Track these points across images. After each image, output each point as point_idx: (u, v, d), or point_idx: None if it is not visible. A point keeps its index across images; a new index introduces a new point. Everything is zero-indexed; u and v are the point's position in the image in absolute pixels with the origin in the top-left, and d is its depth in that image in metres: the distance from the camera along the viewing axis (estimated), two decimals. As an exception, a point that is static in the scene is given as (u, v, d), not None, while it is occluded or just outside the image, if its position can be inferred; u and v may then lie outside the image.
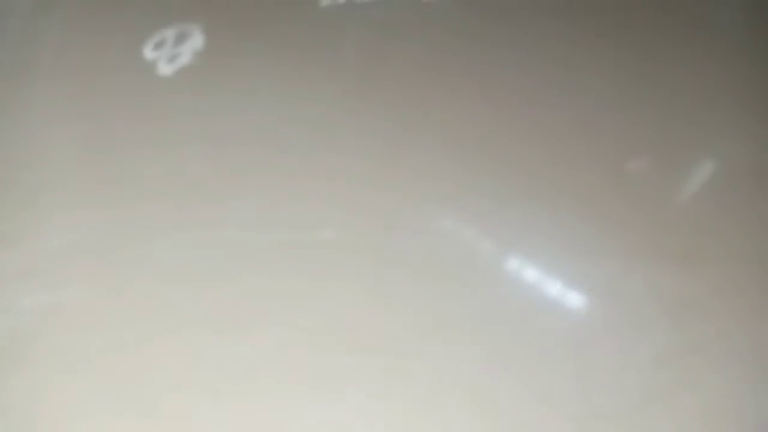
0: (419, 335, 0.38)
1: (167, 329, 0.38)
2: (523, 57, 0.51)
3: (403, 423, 0.35)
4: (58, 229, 0.41)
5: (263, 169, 0.44)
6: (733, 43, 0.51)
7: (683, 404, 0.37)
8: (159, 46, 0.50)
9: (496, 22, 0.54)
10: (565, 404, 0.36)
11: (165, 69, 0.49)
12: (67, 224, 0.42)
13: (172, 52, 0.50)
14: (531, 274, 0.40)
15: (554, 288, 0.40)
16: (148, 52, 0.49)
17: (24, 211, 0.42)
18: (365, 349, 0.38)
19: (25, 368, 0.37)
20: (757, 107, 0.48)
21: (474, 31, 0.52)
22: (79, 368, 0.37)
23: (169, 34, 0.50)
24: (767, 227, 0.42)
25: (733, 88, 0.49)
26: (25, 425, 0.36)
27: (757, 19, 0.52)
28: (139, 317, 0.39)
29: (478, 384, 0.37)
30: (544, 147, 0.46)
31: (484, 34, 0.52)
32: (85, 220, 0.42)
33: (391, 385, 0.37)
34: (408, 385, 0.37)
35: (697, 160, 0.46)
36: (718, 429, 0.37)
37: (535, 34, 0.52)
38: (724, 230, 0.42)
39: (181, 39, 0.50)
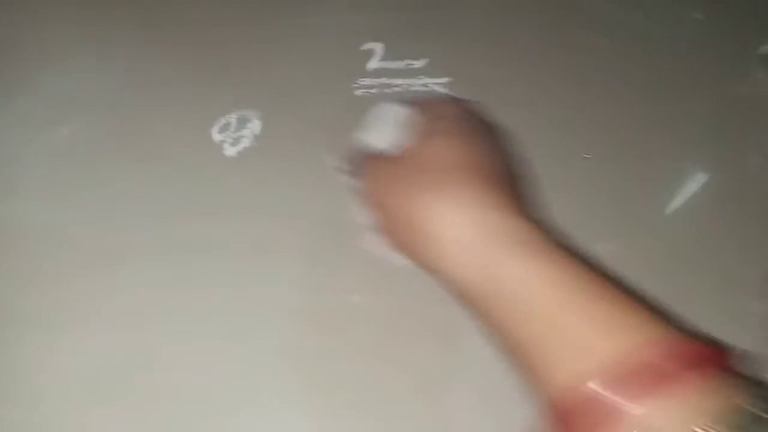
0: (427, 382, 0.48)
1: (226, 374, 0.48)
2: (526, 140, 0.61)
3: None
4: (136, 285, 0.51)
5: (307, 239, 0.55)
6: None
7: None
8: (224, 129, 0.61)
9: (501, 109, 0.64)
10: None
11: (230, 150, 0.59)
12: (143, 280, 0.51)
13: (235, 135, 0.60)
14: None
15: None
16: (216, 135, 0.60)
17: (109, 269, 0.52)
18: (387, 395, 0.48)
19: (108, 402, 0.46)
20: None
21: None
22: (154, 401, 0.47)
23: (233, 119, 0.61)
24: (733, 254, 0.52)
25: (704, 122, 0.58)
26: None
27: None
28: (202, 362, 0.48)
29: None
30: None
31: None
32: (157, 278, 0.52)
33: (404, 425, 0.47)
34: (417, 423, 0.47)
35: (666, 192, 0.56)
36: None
37: (537, 121, 0.63)
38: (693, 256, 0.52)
39: (242, 123, 0.61)
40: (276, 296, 0.52)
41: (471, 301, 0.38)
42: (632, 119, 0.62)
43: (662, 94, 0.64)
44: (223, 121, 0.61)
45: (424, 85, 0.68)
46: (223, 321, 0.50)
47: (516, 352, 0.36)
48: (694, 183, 0.58)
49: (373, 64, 0.67)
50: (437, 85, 0.67)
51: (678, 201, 0.56)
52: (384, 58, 0.67)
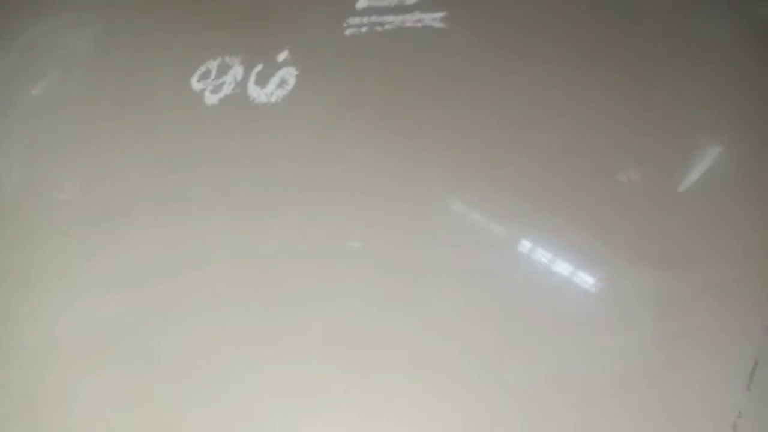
0: (438, 326, 0.45)
1: (225, 327, 0.45)
2: (525, 76, 0.57)
3: (427, 401, 0.42)
4: (129, 246, 0.48)
5: (300, 189, 0.51)
6: (719, 58, 0.56)
7: (662, 389, 0.44)
8: (204, 77, 0.57)
9: (499, 44, 0.60)
10: (569, 384, 0.43)
11: (211, 98, 0.56)
12: (136, 241, 0.49)
13: (216, 82, 0.56)
14: (533, 280, 0.47)
15: (550, 288, 0.47)
16: (195, 83, 0.56)
17: (100, 231, 0.49)
18: (391, 340, 0.45)
19: (108, 365, 0.44)
20: (738, 119, 0.53)
21: (480, 53, 0.58)
22: (155, 362, 0.45)
23: (213, 65, 0.57)
24: (742, 232, 0.48)
25: (715, 101, 0.54)
26: (113, 413, 0.43)
27: (745, 34, 0.56)
28: (205, 317, 0.46)
29: (492, 368, 0.44)
30: (542, 162, 0.52)
31: (489, 56, 0.58)
32: (151, 238, 0.49)
33: (414, 369, 0.44)
34: (430, 369, 0.44)
35: (682, 170, 0.51)
36: (697, 407, 0.44)
37: (535, 56, 0.58)
38: (706, 236, 0.48)
39: (223, 70, 0.57)
40: (271, 246, 0.49)
41: None
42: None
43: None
44: (202, 68, 0.57)
45: (418, 21, 0.63)
46: (218, 274, 0.47)
47: None
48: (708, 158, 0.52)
49: (362, 2, 0.63)
50: (433, 20, 0.63)
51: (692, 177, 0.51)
52: (374, -4, 0.62)
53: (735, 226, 0.50)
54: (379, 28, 0.60)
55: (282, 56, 0.58)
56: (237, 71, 0.57)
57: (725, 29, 0.59)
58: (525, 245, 0.48)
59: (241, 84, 0.57)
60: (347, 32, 0.60)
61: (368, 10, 0.61)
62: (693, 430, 0.42)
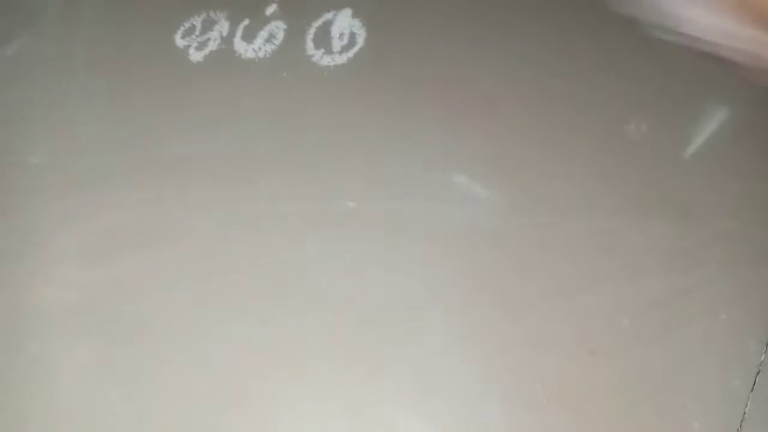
0: (430, 289, 0.43)
1: (210, 295, 0.43)
2: (526, 28, 0.54)
3: (416, 366, 0.40)
4: (108, 210, 0.46)
5: (288, 148, 0.49)
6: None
7: (672, 344, 0.41)
8: (188, 33, 0.54)
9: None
10: (564, 345, 0.41)
11: (196, 55, 0.53)
12: (115, 205, 0.46)
13: (201, 38, 0.53)
14: (533, 230, 0.45)
15: (556, 242, 0.44)
16: (179, 40, 0.53)
17: (77, 195, 0.46)
18: (383, 303, 0.43)
19: (87, 335, 0.42)
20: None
21: (479, 5, 0.55)
22: (136, 332, 0.42)
23: (197, 21, 0.54)
24: (752, 184, 0.46)
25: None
26: (93, 385, 0.41)
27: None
28: (184, 285, 0.43)
29: (485, 329, 0.41)
30: (547, 113, 0.49)
31: (489, 8, 0.55)
32: (131, 201, 0.46)
33: (406, 333, 0.42)
34: (421, 334, 0.41)
35: (689, 121, 0.49)
36: (704, 367, 0.41)
37: (536, 5, 0.55)
38: (714, 187, 0.46)
39: (208, 26, 0.54)
40: (262, 210, 0.46)
41: None
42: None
43: None
44: (186, 24, 0.54)
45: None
46: (201, 239, 0.45)
47: None
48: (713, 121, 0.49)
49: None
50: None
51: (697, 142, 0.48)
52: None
53: (742, 176, 0.47)
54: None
55: (270, 10, 0.55)
56: (223, 26, 0.54)
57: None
58: (529, 200, 0.45)
59: (227, 39, 0.53)
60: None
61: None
62: (709, 383, 0.40)
